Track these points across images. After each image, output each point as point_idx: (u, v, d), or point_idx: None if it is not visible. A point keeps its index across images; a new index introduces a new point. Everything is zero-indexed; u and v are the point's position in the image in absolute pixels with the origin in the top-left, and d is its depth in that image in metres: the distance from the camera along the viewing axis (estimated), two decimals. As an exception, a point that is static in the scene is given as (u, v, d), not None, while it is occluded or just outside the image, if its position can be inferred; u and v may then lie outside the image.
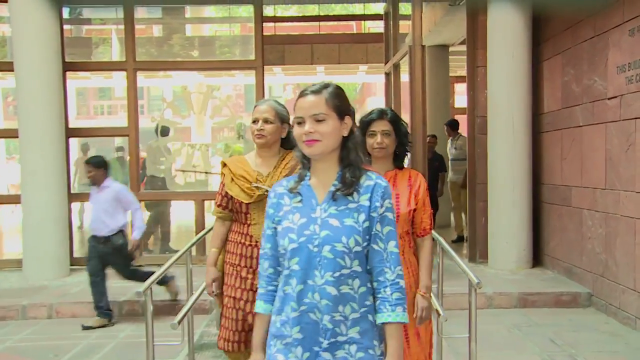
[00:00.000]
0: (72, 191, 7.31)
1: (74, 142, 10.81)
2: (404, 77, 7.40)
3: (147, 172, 8.33)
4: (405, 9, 8.63)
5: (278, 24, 15.32)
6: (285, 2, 14.50)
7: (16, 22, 6.58)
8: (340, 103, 1.84)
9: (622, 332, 4.92)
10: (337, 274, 1.78)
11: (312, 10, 16.84)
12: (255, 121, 2.95)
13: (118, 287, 6.20)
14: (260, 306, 1.92)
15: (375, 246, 1.83)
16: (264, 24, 7.50)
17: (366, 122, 2.75)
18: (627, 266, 5.04)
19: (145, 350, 3.25)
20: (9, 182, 16.00)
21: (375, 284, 1.84)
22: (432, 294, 2.83)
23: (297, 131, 1.82)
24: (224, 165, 3.04)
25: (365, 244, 1.82)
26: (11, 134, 7.45)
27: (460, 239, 8.31)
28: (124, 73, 7.46)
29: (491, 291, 5.71)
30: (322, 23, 16.41)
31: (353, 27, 21.96)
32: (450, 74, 11.33)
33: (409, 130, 2.86)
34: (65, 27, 7.44)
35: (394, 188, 2.72)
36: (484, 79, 6.93)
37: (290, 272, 1.83)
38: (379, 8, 10.98)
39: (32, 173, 6.56)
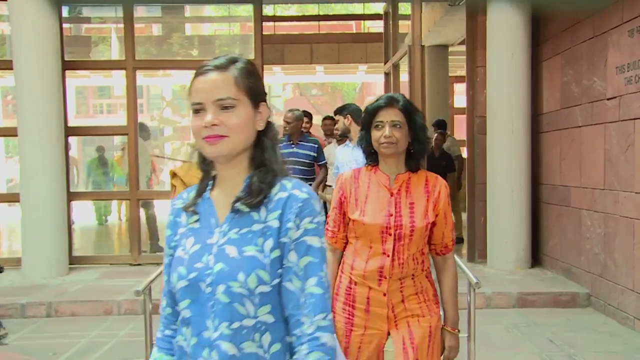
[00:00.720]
0: (71, 189, 7.30)
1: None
2: (404, 76, 7.41)
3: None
4: (404, 8, 8.64)
5: (278, 24, 15.33)
6: (284, 1, 14.50)
7: (15, 20, 6.58)
8: (254, 84, 1.35)
9: (621, 332, 4.93)
10: (235, 325, 1.28)
11: (312, 9, 16.86)
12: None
13: (116, 285, 6.20)
14: (153, 355, 1.45)
15: (288, 285, 1.30)
16: (264, 23, 7.50)
17: (372, 111, 2.20)
18: (626, 266, 5.05)
19: (144, 349, 3.25)
20: (8, 180, 16.00)
21: (293, 338, 1.32)
22: (457, 327, 2.35)
23: (194, 123, 1.32)
24: (174, 175, 2.38)
25: (277, 281, 1.30)
26: (10, 132, 7.45)
27: (459, 240, 8.24)
28: (123, 72, 7.45)
29: (490, 291, 5.72)
30: (321, 22, 16.43)
31: (353, 26, 21.97)
32: (450, 74, 11.35)
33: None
34: (65, 25, 7.45)
35: (407, 195, 2.21)
36: (483, 79, 6.93)
37: (182, 319, 1.36)
38: (378, 8, 10.99)
39: (32, 171, 6.56)
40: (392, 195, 2.21)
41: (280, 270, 1.31)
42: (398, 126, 2.16)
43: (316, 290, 1.30)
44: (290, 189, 1.35)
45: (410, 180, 2.23)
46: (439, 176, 2.28)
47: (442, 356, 2.31)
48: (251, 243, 1.31)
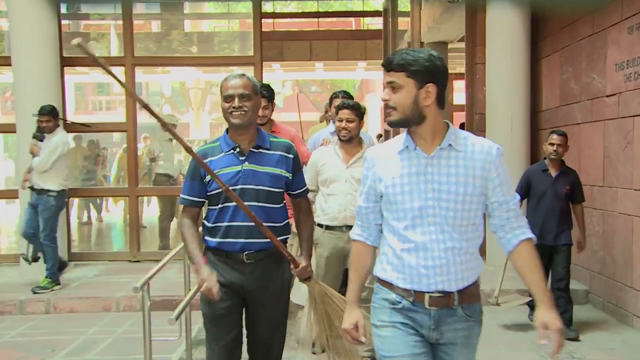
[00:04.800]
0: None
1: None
2: (403, 74, 7.38)
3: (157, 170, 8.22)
4: (404, 5, 8.64)
5: (277, 20, 15.31)
6: (284, -2, 14.48)
7: (14, 16, 6.56)
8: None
9: (620, 329, 4.93)
10: None
11: (311, 6, 16.84)
12: None
13: (115, 282, 6.20)
14: None
15: None
16: (263, 20, 7.49)
17: None
18: (625, 263, 5.05)
19: (143, 346, 3.25)
20: (7, 178, 15.99)
21: None
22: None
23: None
24: None
25: None
26: (9, 129, 7.43)
27: None
28: (122, 68, 7.42)
29: (488, 288, 5.71)
30: (321, 19, 16.40)
31: (352, 23, 21.93)
32: (449, 71, 11.33)
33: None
34: (63, 22, 7.42)
35: None
36: (482, 76, 6.93)
37: None
38: (378, 5, 10.98)
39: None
40: None
41: None
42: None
43: None
44: None
45: None
46: None
47: None
48: None
